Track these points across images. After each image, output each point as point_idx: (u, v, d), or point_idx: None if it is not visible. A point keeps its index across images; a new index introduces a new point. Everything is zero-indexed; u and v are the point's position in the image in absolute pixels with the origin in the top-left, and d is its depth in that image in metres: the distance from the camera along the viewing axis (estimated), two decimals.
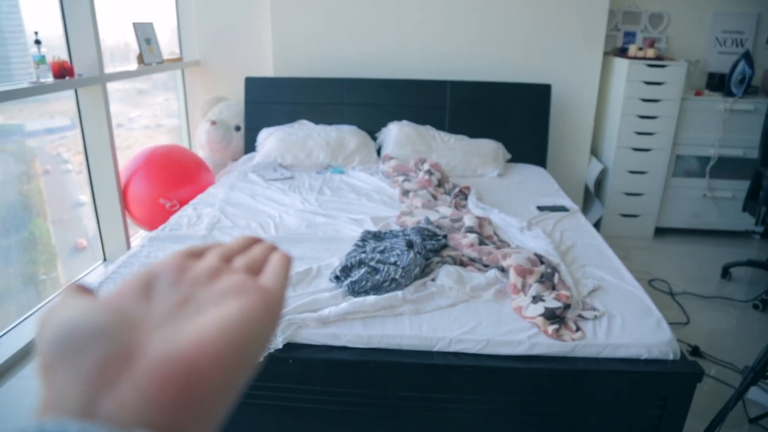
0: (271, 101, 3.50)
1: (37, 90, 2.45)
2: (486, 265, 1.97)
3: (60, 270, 3.05)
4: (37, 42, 2.50)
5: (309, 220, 2.35)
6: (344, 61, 3.59)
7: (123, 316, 0.25)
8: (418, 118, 3.46)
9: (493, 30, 3.52)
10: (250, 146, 3.49)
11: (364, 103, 3.49)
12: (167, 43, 3.76)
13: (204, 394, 0.24)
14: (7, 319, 2.46)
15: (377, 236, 2.07)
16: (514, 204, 2.64)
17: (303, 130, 3.31)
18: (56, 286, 2.86)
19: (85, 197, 3.06)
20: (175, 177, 3.04)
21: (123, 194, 3.01)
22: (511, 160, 3.42)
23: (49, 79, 2.56)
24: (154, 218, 3.00)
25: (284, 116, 3.47)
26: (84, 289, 0.28)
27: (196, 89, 3.90)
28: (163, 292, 0.28)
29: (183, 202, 2.92)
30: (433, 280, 1.84)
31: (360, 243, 2.02)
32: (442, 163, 3.11)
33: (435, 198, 2.62)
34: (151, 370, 0.23)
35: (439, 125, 3.49)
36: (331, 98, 3.49)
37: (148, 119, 4.00)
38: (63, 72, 2.62)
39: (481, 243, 2.06)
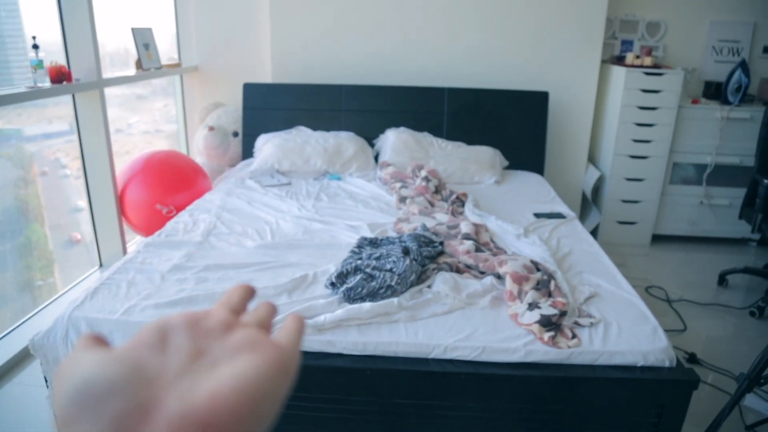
0: (269, 107, 3.51)
1: (34, 95, 2.45)
2: (482, 272, 1.97)
3: (57, 276, 3.05)
4: (35, 47, 2.50)
5: (305, 227, 2.35)
6: (342, 68, 3.60)
7: (138, 370, 0.26)
8: (416, 125, 3.47)
9: (491, 37, 3.53)
10: (247, 152, 3.49)
11: (362, 110, 3.50)
12: (166, 49, 3.77)
13: None
14: (3, 326, 2.45)
15: (373, 243, 2.07)
16: (511, 211, 2.64)
17: (301, 136, 3.32)
18: (53, 291, 2.85)
19: (83, 203, 3.06)
20: (172, 183, 3.04)
21: (120, 199, 3.01)
22: (508, 167, 3.42)
23: (47, 83, 2.56)
24: (151, 224, 2.99)
25: (282, 122, 3.48)
26: (99, 340, 0.29)
27: (194, 95, 3.91)
28: (177, 344, 0.28)
29: (180, 208, 2.91)
30: (429, 287, 1.84)
31: (356, 249, 2.02)
32: (439, 169, 3.11)
33: (432, 205, 2.62)
34: (168, 425, 0.23)
35: (437, 132, 3.50)
36: (329, 105, 3.50)
37: (147, 125, 4.00)
38: (60, 77, 2.62)
39: (478, 250, 2.06)
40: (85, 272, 3.04)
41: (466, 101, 3.49)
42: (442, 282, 1.83)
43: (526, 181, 3.25)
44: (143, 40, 3.35)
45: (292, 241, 2.20)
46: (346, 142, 3.29)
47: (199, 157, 3.58)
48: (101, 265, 3.07)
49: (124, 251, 3.05)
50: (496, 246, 2.20)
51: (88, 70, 2.79)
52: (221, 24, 3.73)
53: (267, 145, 3.28)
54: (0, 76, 2.71)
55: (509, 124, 3.50)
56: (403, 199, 2.67)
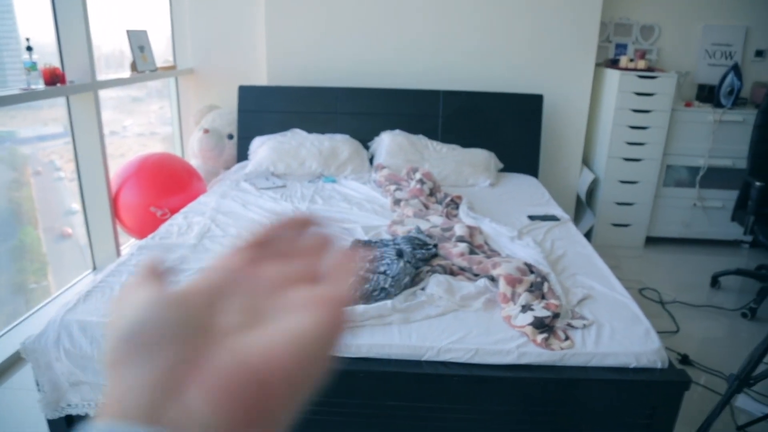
0: (265, 110, 3.51)
1: (27, 97, 2.45)
2: (476, 275, 1.97)
3: (50, 279, 3.04)
4: (29, 48, 2.50)
5: None
6: (338, 71, 3.61)
7: (195, 317, 0.25)
8: (411, 128, 3.48)
9: (486, 40, 3.55)
10: (242, 155, 3.49)
11: (357, 113, 3.51)
12: (162, 51, 3.77)
13: (269, 407, 0.24)
14: None
15: (367, 244, 2.07)
16: (506, 213, 2.65)
17: (296, 138, 3.32)
18: (46, 294, 2.85)
19: (78, 205, 3.05)
20: (166, 185, 3.04)
21: (114, 202, 3.00)
22: (503, 170, 3.43)
23: (41, 85, 2.56)
24: (145, 226, 2.99)
25: (277, 125, 3.48)
26: (159, 273, 0.28)
27: (189, 97, 3.90)
28: (232, 299, 0.27)
29: (174, 211, 2.91)
30: (422, 289, 1.84)
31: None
32: (434, 172, 3.12)
33: (426, 207, 2.63)
34: (219, 379, 0.23)
35: (432, 135, 3.50)
36: (325, 107, 3.50)
37: (142, 127, 4.00)
38: (54, 79, 2.62)
39: (472, 252, 2.07)
40: (78, 275, 3.03)
41: (461, 104, 3.50)
42: (435, 284, 1.84)
43: (520, 183, 3.26)
44: (138, 42, 3.35)
45: None
46: (341, 144, 3.30)
47: (194, 160, 3.58)
48: (95, 267, 3.07)
49: (118, 254, 3.04)
50: (490, 248, 2.20)
51: (82, 73, 2.78)
52: (216, 26, 3.73)
53: (262, 147, 3.28)
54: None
55: (504, 126, 3.51)
56: (397, 202, 2.67)
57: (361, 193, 2.91)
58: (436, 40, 3.56)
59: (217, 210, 2.57)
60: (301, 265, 0.31)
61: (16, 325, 2.52)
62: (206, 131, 3.47)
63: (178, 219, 2.46)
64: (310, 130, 3.45)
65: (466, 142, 3.47)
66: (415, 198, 2.66)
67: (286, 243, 0.32)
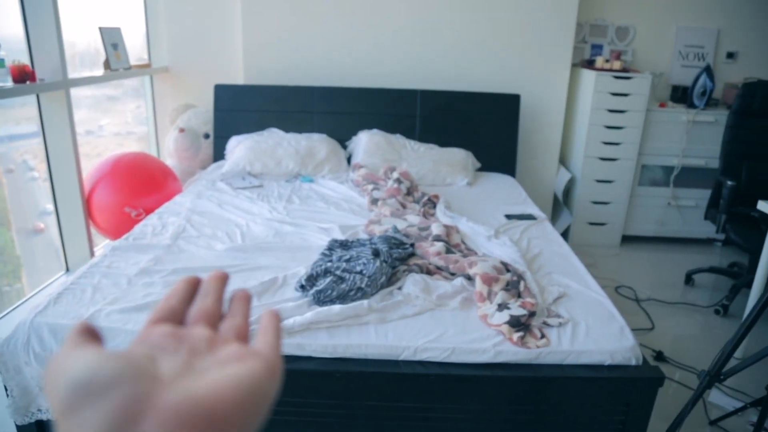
0: (241, 109, 3.48)
1: None
2: (453, 274, 1.98)
3: (24, 281, 2.97)
4: None
5: (276, 229, 2.33)
6: (315, 70, 3.59)
7: (139, 367, 0.26)
8: (389, 127, 3.47)
9: (463, 40, 3.56)
10: (219, 154, 3.45)
11: (334, 112, 3.49)
12: (137, 50, 3.71)
13: None
14: None
15: (344, 245, 2.06)
16: (483, 212, 2.66)
17: (273, 138, 3.30)
18: (20, 296, 2.79)
19: (52, 206, 2.99)
20: (141, 185, 2.99)
21: (87, 202, 2.95)
22: (480, 169, 3.45)
23: (8, 83, 2.50)
24: (119, 227, 2.94)
25: (254, 124, 3.45)
26: (92, 333, 0.30)
27: (165, 96, 3.85)
28: (166, 358, 0.28)
29: (149, 211, 2.87)
30: (399, 288, 1.84)
31: (327, 252, 2.01)
32: (411, 171, 3.12)
33: (404, 206, 2.62)
34: (174, 411, 0.24)
35: (410, 134, 3.51)
36: (302, 106, 3.48)
37: (118, 126, 3.93)
38: (24, 76, 2.56)
39: (448, 251, 2.07)
40: (52, 276, 2.97)
41: (439, 103, 3.50)
42: (412, 284, 1.84)
43: (497, 182, 3.27)
44: (111, 39, 3.29)
45: (263, 243, 2.18)
46: (319, 144, 3.28)
47: (169, 159, 3.53)
48: (68, 269, 3.01)
49: (92, 255, 2.99)
50: (467, 247, 2.21)
51: (53, 70, 2.73)
52: (192, 24, 3.69)
53: (238, 147, 3.25)
54: None
55: (481, 126, 3.52)
56: (374, 201, 2.66)
57: (338, 193, 2.89)
58: (413, 39, 3.56)
59: (192, 210, 2.53)
60: (227, 324, 0.34)
61: None
62: (182, 130, 3.43)
63: (152, 219, 2.42)
64: (287, 130, 3.43)
65: (443, 142, 3.48)
66: (392, 197, 2.66)
67: (206, 304, 0.35)
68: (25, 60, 2.65)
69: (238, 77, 3.65)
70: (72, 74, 2.82)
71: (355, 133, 3.46)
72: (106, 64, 3.25)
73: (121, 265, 1.97)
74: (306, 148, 3.22)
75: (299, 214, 2.52)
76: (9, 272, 2.90)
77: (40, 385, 1.62)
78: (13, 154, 2.95)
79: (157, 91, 3.86)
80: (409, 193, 2.80)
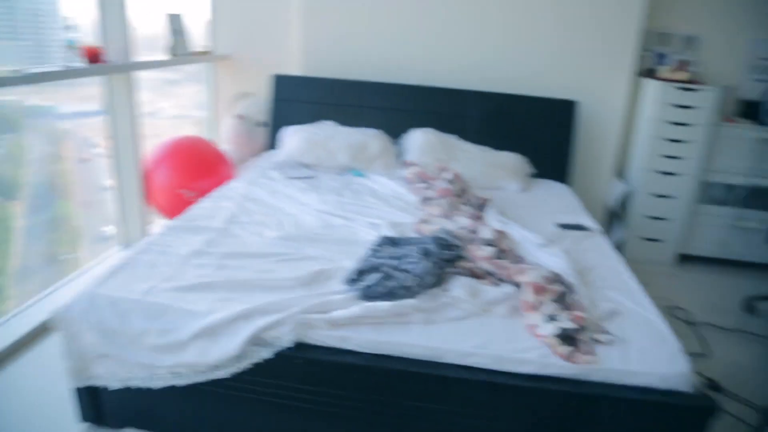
0: (297, 99, 3.51)
1: (67, 74, 2.48)
2: (501, 280, 1.94)
3: (81, 251, 3.09)
4: (70, 27, 2.53)
5: (326, 221, 2.35)
6: (371, 65, 3.59)
7: None
8: (442, 126, 3.44)
9: (521, 42, 3.49)
10: (273, 143, 3.49)
11: (388, 108, 3.49)
12: (201, 36, 3.79)
13: None
14: (26, 297, 2.49)
15: (394, 242, 2.05)
16: (534, 220, 2.60)
17: (326, 130, 3.31)
18: (76, 265, 2.90)
19: (111, 182, 3.10)
20: (197, 168, 3.06)
21: (145, 181, 3.03)
22: (533, 176, 3.38)
23: (80, 64, 2.58)
24: (175, 207, 3.01)
25: (309, 115, 3.48)
26: None
27: (224, 83, 3.92)
28: None
29: (202, 194, 2.93)
30: (446, 290, 1.82)
31: (376, 248, 2.01)
32: (463, 173, 3.08)
33: (454, 208, 2.59)
34: None
35: (463, 135, 3.47)
36: (357, 100, 3.49)
37: (177, 109, 4.04)
38: (94, 58, 2.65)
39: (498, 257, 2.03)
40: (108, 247, 3.07)
41: (494, 105, 3.45)
42: (460, 286, 1.81)
43: (551, 190, 3.20)
44: (175, 25, 3.37)
45: (312, 234, 2.20)
46: (372, 139, 3.28)
47: (225, 145, 3.60)
48: (124, 244, 3.10)
49: (147, 232, 3.07)
50: (517, 254, 2.17)
51: (119, 53, 2.81)
52: (255, 14, 3.75)
53: (293, 137, 3.28)
54: (36, 55, 2.74)
55: (536, 131, 3.45)
56: (425, 200, 2.65)
57: (389, 189, 2.89)
58: (471, 39, 3.52)
59: (245, 196, 2.57)
60: None
61: (47, 295, 2.56)
62: (240, 117, 3.49)
63: (206, 202, 2.47)
64: (341, 123, 3.45)
65: (496, 145, 3.43)
66: (443, 198, 2.63)
67: None
68: (97, 42, 2.74)
69: (296, 68, 3.69)
70: (137, 58, 2.89)
71: (407, 131, 3.44)
72: (170, 50, 3.33)
73: (176, 245, 2.02)
74: (359, 142, 3.22)
75: (349, 208, 2.53)
76: (68, 242, 3.02)
77: (96, 352, 1.67)
78: (77, 131, 3.06)
79: (218, 77, 3.94)
80: (460, 194, 2.76)
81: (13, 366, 2.13)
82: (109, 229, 3.20)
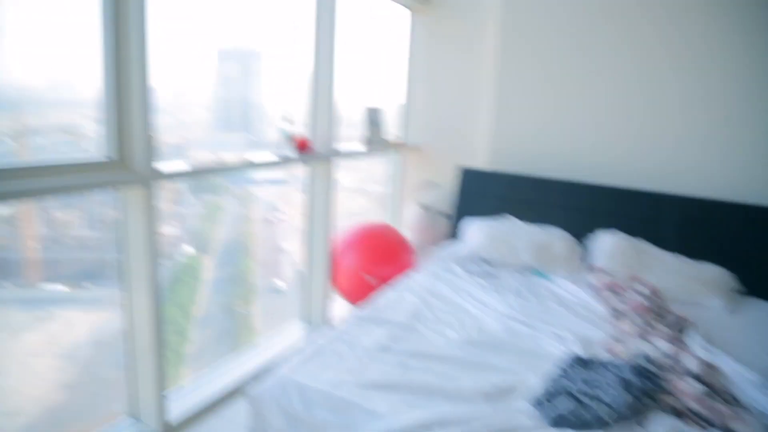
0: (482, 193, 3.54)
1: (280, 163, 2.76)
2: (710, 424, 1.70)
3: (255, 307, 3.33)
4: (287, 121, 2.84)
5: (509, 327, 2.27)
6: (560, 162, 3.53)
7: None
8: (634, 231, 3.22)
9: (726, 144, 3.20)
10: (455, 234, 3.54)
11: (574, 207, 3.37)
12: (392, 126, 4.04)
13: None
14: (206, 344, 2.72)
15: (585, 363, 1.91)
16: (750, 351, 2.27)
17: (509, 226, 3.28)
18: (250, 319, 3.13)
19: (288, 245, 3.34)
20: (380, 254, 3.18)
21: (331, 261, 3.21)
22: (742, 293, 3.00)
23: (292, 152, 2.87)
24: (355, 290, 3.15)
25: (493, 209, 3.48)
26: None
27: (410, 171, 4.10)
28: None
29: (384, 280, 3.03)
30: (644, 427, 1.63)
31: (565, 367, 1.89)
32: (657, 283, 2.83)
33: (650, 327, 2.37)
34: None
35: (655, 241, 3.20)
36: (542, 197, 3.43)
37: (354, 182, 4.29)
38: (303, 148, 2.93)
39: (708, 395, 1.80)
40: (284, 316, 3.26)
41: (695, 211, 3.17)
42: (660, 426, 1.62)
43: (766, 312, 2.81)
44: (374, 118, 3.63)
45: (495, 340, 2.14)
46: (556, 239, 3.17)
47: (406, 232, 3.72)
48: (305, 320, 3.28)
49: (328, 312, 3.23)
50: (730, 393, 1.90)
51: (324, 143, 3.07)
52: (446, 106, 3.92)
53: (475, 230, 3.29)
54: (254, 143, 3.11)
55: (744, 242, 3.08)
56: (616, 314, 2.46)
57: (574, 296, 2.74)
58: (669, 140, 3.31)
59: (427, 290, 2.60)
60: None
61: (232, 359, 2.76)
62: (424, 207, 3.60)
63: (390, 292, 2.54)
64: (525, 220, 3.39)
65: (694, 254, 3.11)
66: (637, 314, 2.43)
67: None
68: (304, 134, 3.04)
69: (482, 162, 3.74)
70: (338, 147, 3.15)
71: (593, 232, 3.28)
72: (366, 140, 3.58)
73: (362, 337, 2.08)
74: (543, 241, 3.14)
75: (533, 314, 2.43)
76: (245, 296, 3.28)
77: None
78: (265, 196, 3.38)
79: (405, 166, 4.14)
80: (657, 311, 2.53)
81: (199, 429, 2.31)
82: (281, 283, 3.43)
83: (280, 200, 3.53)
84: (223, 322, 3.08)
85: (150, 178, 1.95)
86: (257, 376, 2.57)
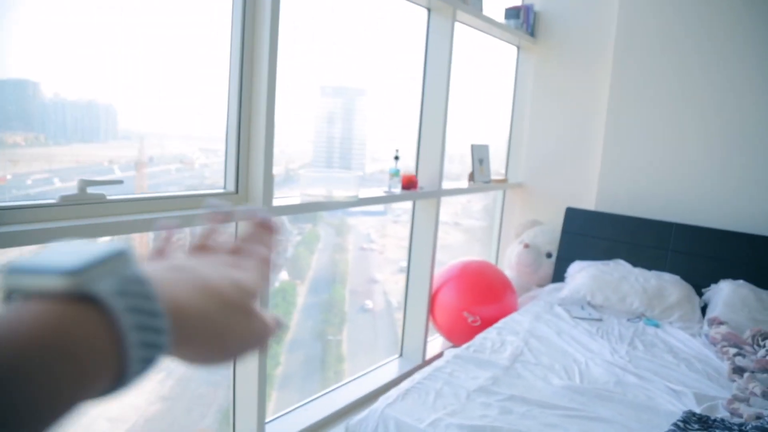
0: (588, 234, 3.43)
1: (386, 199, 2.84)
2: None
3: (344, 334, 3.38)
4: (396, 158, 2.92)
5: (618, 376, 2.17)
6: (674, 204, 3.34)
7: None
8: (759, 281, 2.98)
9: None
10: (558, 276, 3.43)
11: (692, 253, 3.17)
12: (496, 165, 4.03)
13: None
14: (295, 366, 2.78)
15: (704, 422, 1.78)
16: None
17: (618, 270, 3.14)
18: (339, 346, 3.18)
19: (380, 276, 3.38)
20: (481, 293, 3.15)
21: (431, 298, 3.22)
22: None
23: (398, 189, 2.94)
24: (454, 328, 3.13)
25: (600, 252, 3.35)
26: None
27: (513, 209, 4.06)
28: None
29: (484, 319, 2.99)
30: None
31: (680, 424, 1.77)
32: None
33: None
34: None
35: None
36: (655, 242, 3.26)
37: (448, 216, 4.29)
38: (410, 184, 2.99)
39: None
40: (374, 346, 3.29)
41: None
42: None
43: None
44: (479, 155, 3.64)
45: (603, 390, 2.04)
46: (670, 285, 3.00)
47: (508, 271, 3.66)
48: (401, 354, 3.30)
49: (426, 348, 3.23)
50: None
51: (431, 181, 3.12)
52: (551, 144, 3.85)
53: (581, 273, 3.18)
54: (362, 180, 3.22)
55: None
56: (738, 370, 2.28)
57: (689, 348, 2.57)
58: None
59: (530, 332, 2.54)
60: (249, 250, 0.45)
61: (332, 390, 2.82)
62: (526, 246, 3.54)
63: (491, 333, 2.51)
64: (635, 264, 3.23)
65: None
66: (764, 372, 2.23)
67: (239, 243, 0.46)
68: (413, 171, 3.10)
69: (589, 201, 3.63)
70: (444, 184, 3.18)
71: (714, 281, 3.06)
72: (471, 176, 3.59)
73: (462, 377, 2.06)
74: (655, 287, 2.97)
75: (644, 365, 2.30)
76: (336, 324, 3.34)
77: None
78: (360, 227, 3.46)
79: (507, 203, 4.10)
80: None
81: None
82: (370, 304, 3.48)
83: (376, 231, 3.60)
84: (312, 347, 3.16)
85: (270, 213, 2.08)
86: (355, 407, 2.61)
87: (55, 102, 1.81)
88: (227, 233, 0.47)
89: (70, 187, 1.60)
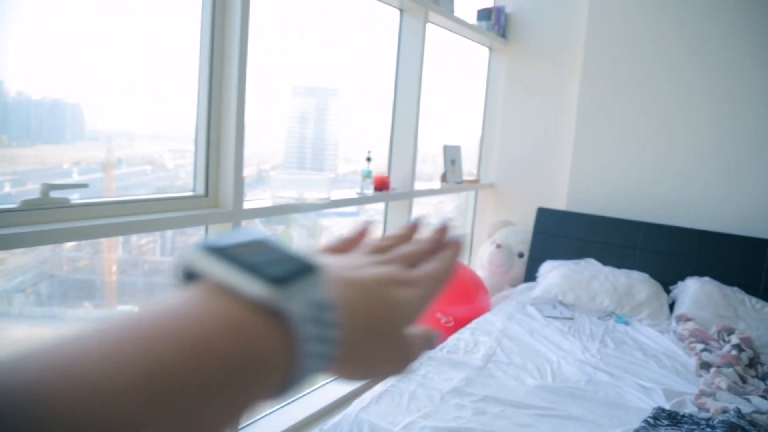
0: (560, 234, 3.47)
1: (359, 200, 2.82)
2: None
3: None
4: (368, 159, 2.91)
5: (589, 375, 2.19)
6: (643, 204, 3.41)
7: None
8: (724, 278, 3.05)
9: None
10: (530, 275, 3.47)
11: (660, 251, 3.23)
12: (468, 165, 4.05)
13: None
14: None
15: (673, 418, 1.82)
16: None
17: (589, 269, 3.18)
18: None
19: None
20: (454, 294, 3.15)
21: None
22: None
23: (371, 191, 2.93)
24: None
25: (571, 251, 3.39)
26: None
27: (485, 210, 4.08)
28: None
29: (458, 320, 3.00)
30: None
31: (650, 420, 1.80)
32: (751, 334, 2.66)
33: (744, 381, 2.23)
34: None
35: (750, 289, 3.02)
36: (624, 241, 3.32)
37: (421, 216, 4.31)
38: (382, 185, 2.98)
39: None
40: None
41: None
42: None
43: None
44: (451, 156, 3.65)
45: (575, 389, 2.07)
46: (639, 283, 3.05)
47: (480, 271, 3.68)
48: None
49: None
50: None
51: (403, 182, 3.12)
52: (523, 145, 3.89)
53: (552, 272, 3.22)
54: (335, 182, 3.20)
55: None
56: (704, 366, 2.33)
57: (658, 344, 2.61)
58: (763, 179, 3.13)
59: (503, 332, 2.56)
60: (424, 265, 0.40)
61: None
62: (498, 246, 3.56)
63: (465, 334, 2.52)
64: (605, 263, 3.28)
65: None
66: (729, 366, 2.28)
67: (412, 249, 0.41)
68: (385, 172, 3.10)
69: (560, 202, 3.67)
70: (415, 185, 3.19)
71: (682, 278, 3.13)
72: (443, 177, 3.60)
73: (435, 378, 2.06)
74: (624, 286, 3.02)
75: (614, 362, 2.34)
76: None
77: None
78: (333, 227, 3.45)
79: (480, 203, 4.12)
80: (751, 364, 2.37)
81: None
82: None
83: (348, 231, 3.59)
84: None
85: (239, 216, 2.05)
86: (329, 411, 2.59)
87: (18, 101, 1.75)
88: (415, 243, 0.43)
89: (33, 190, 1.55)
